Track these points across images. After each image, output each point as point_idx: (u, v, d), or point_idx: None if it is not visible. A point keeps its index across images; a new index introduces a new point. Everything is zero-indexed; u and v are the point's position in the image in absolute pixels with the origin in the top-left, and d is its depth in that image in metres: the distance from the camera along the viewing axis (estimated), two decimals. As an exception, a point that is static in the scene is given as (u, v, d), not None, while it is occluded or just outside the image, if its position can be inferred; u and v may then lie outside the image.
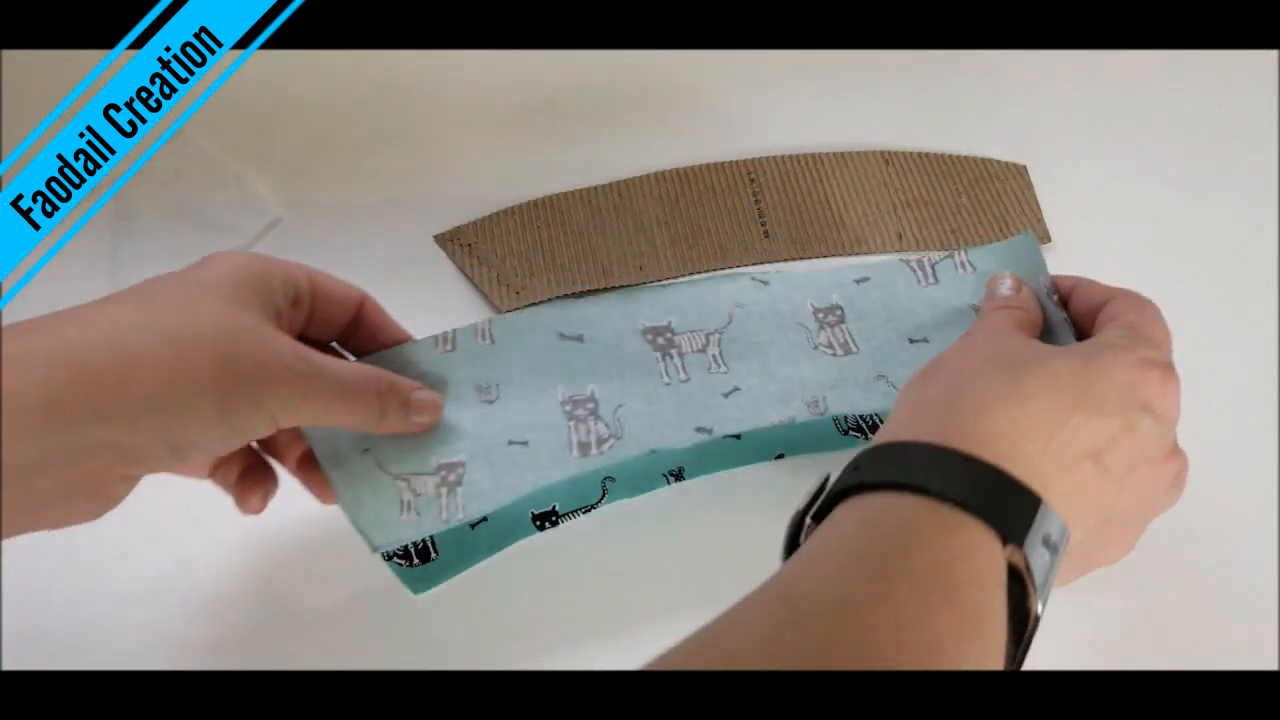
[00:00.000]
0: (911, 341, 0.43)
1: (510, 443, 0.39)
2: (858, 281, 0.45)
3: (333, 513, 0.44)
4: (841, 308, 0.44)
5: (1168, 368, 0.36)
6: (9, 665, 0.39)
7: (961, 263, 0.45)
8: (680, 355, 0.43)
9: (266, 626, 0.41)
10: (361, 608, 0.41)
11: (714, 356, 0.43)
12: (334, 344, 0.41)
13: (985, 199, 0.54)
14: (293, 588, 0.42)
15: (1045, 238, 0.52)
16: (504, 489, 0.38)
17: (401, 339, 0.42)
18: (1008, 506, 0.31)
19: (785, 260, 0.51)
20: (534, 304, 0.46)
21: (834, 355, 0.43)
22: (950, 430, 0.33)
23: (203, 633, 0.41)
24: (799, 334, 0.43)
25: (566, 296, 0.49)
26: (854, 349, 0.43)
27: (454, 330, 0.42)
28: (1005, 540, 0.31)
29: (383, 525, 0.37)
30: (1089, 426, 0.33)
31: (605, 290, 0.50)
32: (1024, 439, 0.33)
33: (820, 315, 0.44)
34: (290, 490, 0.41)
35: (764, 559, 0.42)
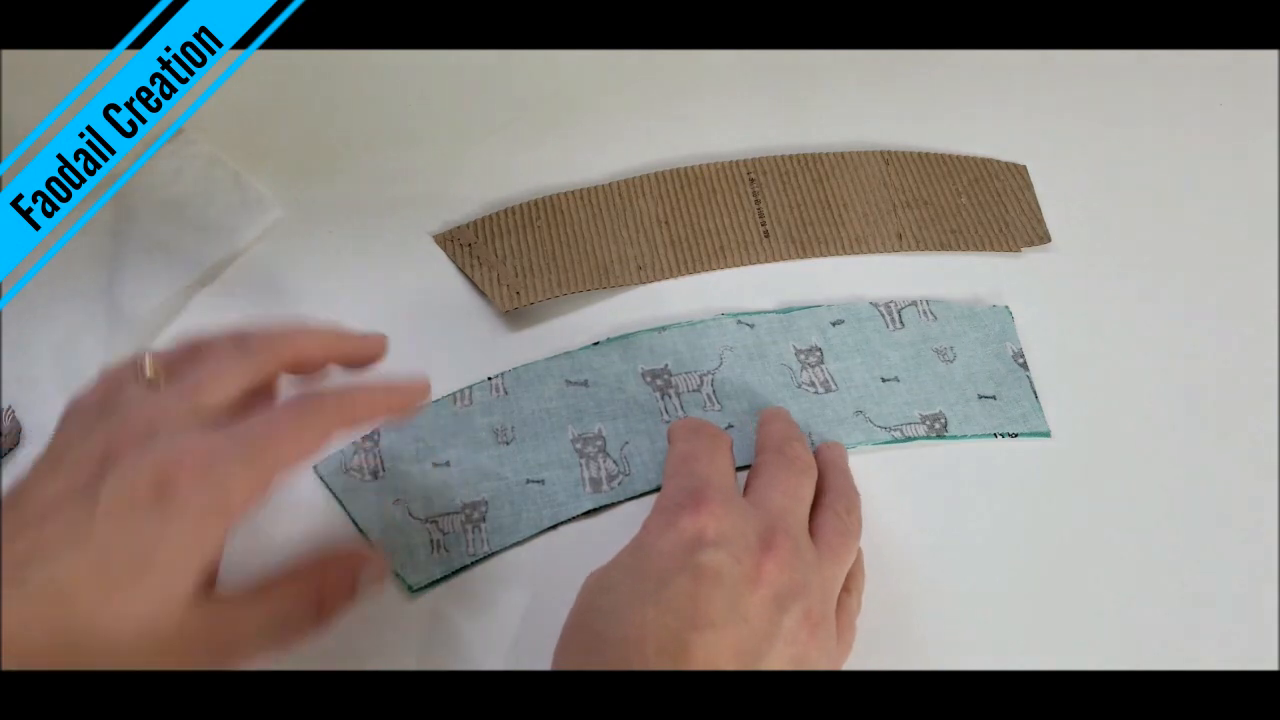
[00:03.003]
0: (884, 380, 0.47)
1: (528, 481, 0.44)
2: (833, 324, 0.48)
3: (328, 513, 0.44)
4: (821, 349, 0.48)
5: (696, 498, 0.35)
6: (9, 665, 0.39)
7: (924, 310, 0.49)
8: (678, 395, 0.46)
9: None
10: (360, 608, 0.41)
11: (708, 395, 0.46)
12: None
13: (985, 199, 0.54)
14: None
15: (1045, 238, 0.52)
16: (525, 523, 0.43)
17: None
18: None
19: (785, 260, 0.51)
20: (542, 359, 0.48)
21: (816, 393, 0.46)
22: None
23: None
24: (784, 374, 0.47)
25: (570, 299, 0.49)
26: (834, 387, 0.46)
27: (470, 387, 0.46)
28: None
29: (416, 567, 0.41)
30: (663, 611, 0.33)
31: (605, 289, 0.50)
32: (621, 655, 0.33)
33: (802, 356, 0.47)
34: (286, 491, 0.41)
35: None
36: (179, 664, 0.31)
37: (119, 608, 0.30)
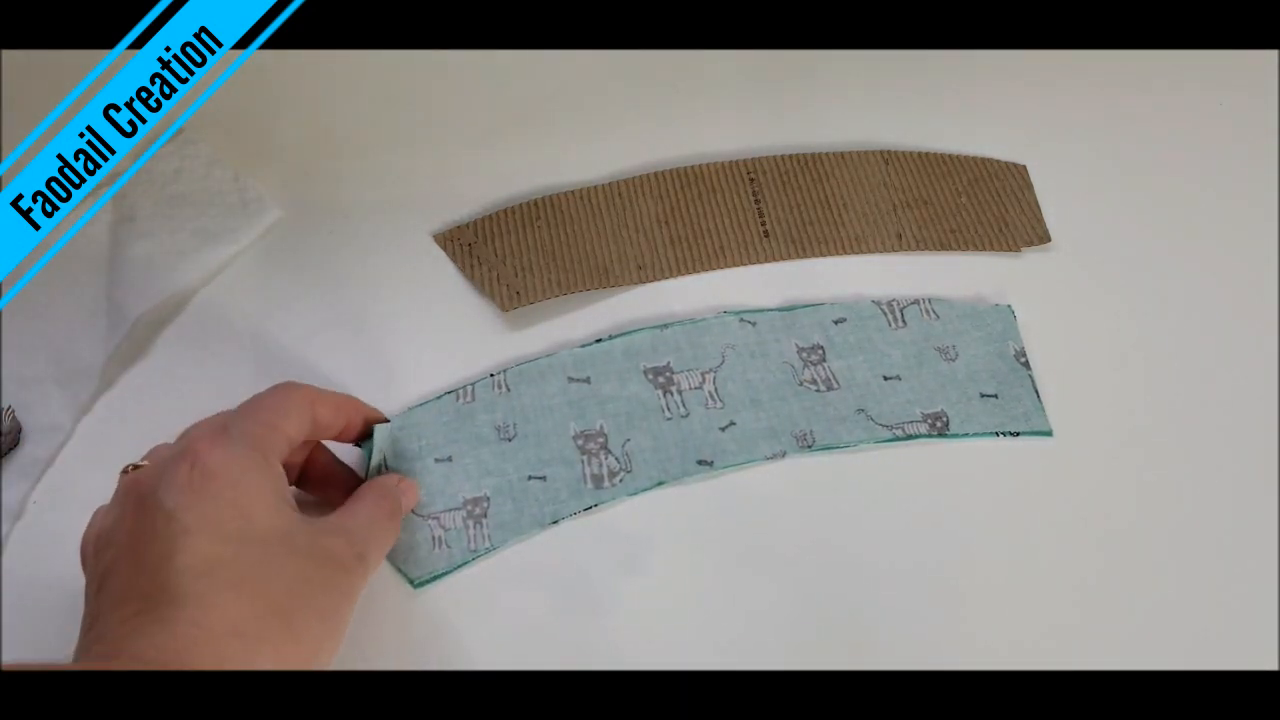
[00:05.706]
0: (886, 379, 0.47)
1: (530, 478, 0.44)
2: (836, 322, 0.49)
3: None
4: (823, 347, 0.48)
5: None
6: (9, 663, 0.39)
7: (926, 309, 0.49)
8: (680, 392, 0.46)
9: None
10: (361, 606, 0.41)
11: (710, 393, 0.46)
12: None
13: (985, 199, 0.54)
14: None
15: (1045, 238, 0.52)
16: (526, 518, 0.43)
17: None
18: None
19: (785, 260, 0.51)
20: (545, 355, 0.48)
21: (818, 391, 0.46)
22: None
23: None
24: (785, 372, 0.47)
25: (570, 298, 0.49)
26: (835, 385, 0.47)
27: (473, 385, 0.46)
28: None
29: (418, 561, 0.42)
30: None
31: (605, 288, 0.50)
32: None
33: (804, 354, 0.48)
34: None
35: (759, 559, 0.43)
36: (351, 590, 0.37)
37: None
